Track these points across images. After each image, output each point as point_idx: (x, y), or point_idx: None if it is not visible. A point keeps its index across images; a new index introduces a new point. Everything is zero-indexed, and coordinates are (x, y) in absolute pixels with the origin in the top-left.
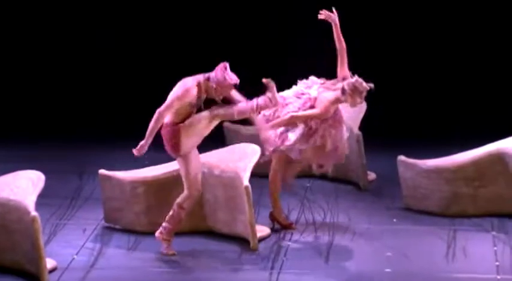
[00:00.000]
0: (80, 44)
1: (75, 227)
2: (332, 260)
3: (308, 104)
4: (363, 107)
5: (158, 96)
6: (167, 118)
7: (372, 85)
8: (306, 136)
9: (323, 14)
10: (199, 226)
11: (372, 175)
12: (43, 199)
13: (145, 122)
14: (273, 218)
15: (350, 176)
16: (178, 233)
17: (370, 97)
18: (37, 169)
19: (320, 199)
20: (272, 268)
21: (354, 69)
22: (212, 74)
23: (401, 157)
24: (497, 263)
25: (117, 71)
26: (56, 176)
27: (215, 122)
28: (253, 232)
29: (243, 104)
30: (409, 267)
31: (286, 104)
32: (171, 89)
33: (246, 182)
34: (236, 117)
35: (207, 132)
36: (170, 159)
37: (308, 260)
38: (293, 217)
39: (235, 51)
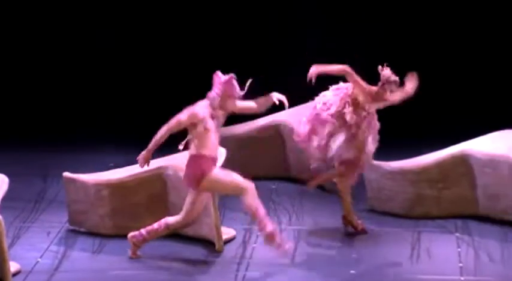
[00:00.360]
0: (45, 46)
1: (39, 230)
2: (297, 261)
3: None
4: None
5: (122, 99)
6: (192, 150)
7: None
8: (348, 142)
9: (310, 76)
10: None
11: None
12: (7, 202)
13: (108, 125)
14: (346, 222)
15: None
16: None
17: None
18: (1, 172)
19: (285, 201)
20: (238, 269)
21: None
22: (215, 90)
23: None
24: (460, 264)
25: (81, 75)
26: (19, 179)
27: None
28: (219, 234)
29: None
30: (373, 268)
31: (328, 108)
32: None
33: None
34: None
35: None
36: (134, 162)
37: (274, 262)
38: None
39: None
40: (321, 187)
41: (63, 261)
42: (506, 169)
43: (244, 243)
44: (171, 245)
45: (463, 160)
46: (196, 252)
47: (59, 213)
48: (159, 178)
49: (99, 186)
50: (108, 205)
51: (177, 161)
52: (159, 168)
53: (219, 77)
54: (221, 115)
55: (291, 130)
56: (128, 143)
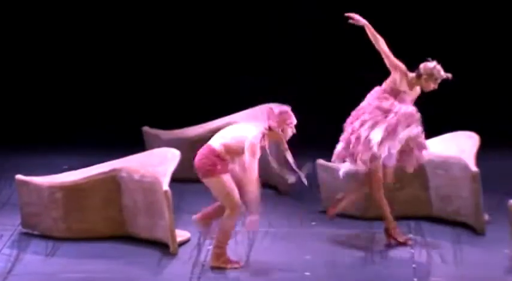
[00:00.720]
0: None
1: None
2: (252, 263)
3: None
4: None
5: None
6: (216, 145)
7: (450, 75)
8: (390, 133)
9: (353, 20)
10: (118, 231)
11: (291, 179)
12: None
13: (62, 127)
14: (388, 234)
15: (269, 180)
16: (97, 239)
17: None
18: None
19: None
20: (192, 272)
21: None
22: (269, 122)
23: (320, 161)
24: (413, 265)
25: (33, 77)
26: None
27: None
28: (173, 237)
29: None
30: (328, 270)
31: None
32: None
33: (165, 187)
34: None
35: None
36: (88, 164)
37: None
38: (214, 222)
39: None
40: (275, 189)
41: (16, 264)
42: (458, 170)
43: (199, 245)
44: (125, 247)
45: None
46: (151, 254)
47: (11, 216)
48: (112, 180)
49: (52, 189)
50: (62, 208)
51: (131, 164)
52: (112, 170)
53: (274, 110)
54: (267, 144)
55: None
56: (82, 145)
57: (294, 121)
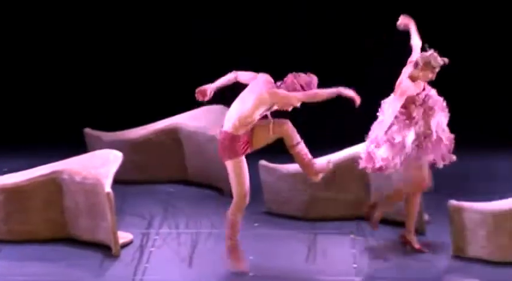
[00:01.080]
0: None
1: None
2: (195, 265)
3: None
4: (224, 112)
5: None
6: (230, 128)
7: (446, 60)
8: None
9: (402, 23)
10: (60, 234)
11: None
12: None
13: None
14: (405, 240)
15: (212, 181)
16: (39, 242)
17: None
18: None
19: (183, 205)
20: (135, 274)
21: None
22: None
23: (263, 162)
24: (355, 265)
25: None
26: None
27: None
28: (115, 239)
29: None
30: (270, 270)
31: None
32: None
33: (107, 188)
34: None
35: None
36: (29, 167)
37: (171, 266)
38: (156, 222)
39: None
40: (218, 190)
41: None
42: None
43: (142, 247)
44: (67, 249)
45: (354, 161)
46: (93, 257)
47: None
48: (54, 182)
49: None
50: (3, 210)
51: (73, 165)
52: (54, 172)
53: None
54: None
55: (189, 133)
56: (22, 148)
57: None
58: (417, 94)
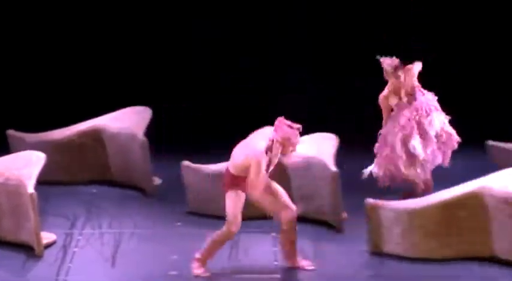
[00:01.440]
0: None
1: None
2: (118, 264)
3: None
4: (147, 113)
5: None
6: (232, 168)
7: (396, 60)
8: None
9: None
10: None
11: (157, 180)
12: None
13: None
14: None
15: (135, 181)
16: None
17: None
18: None
19: (106, 205)
20: (58, 274)
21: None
22: (275, 134)
23: (186, 162)
24: (276, 263)
25: None
26: None
27: None
28: (39, 239)
29: None
30: (190, 269)
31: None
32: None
33: (30, 189)
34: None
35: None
36: None
37: (94, 266)
38: (79, 223)
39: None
40: (142, 191)
41: None
42: (318, 170)
43: (65, 247)
44: None
45: (278, 163)
46: (16, 257)
47: None
48: None
49: None
50: None
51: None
52: None
53: (283, 124)
54: (275, 159)
55: (112, 134)
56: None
57: (298, 142)
58: (400, 100)
